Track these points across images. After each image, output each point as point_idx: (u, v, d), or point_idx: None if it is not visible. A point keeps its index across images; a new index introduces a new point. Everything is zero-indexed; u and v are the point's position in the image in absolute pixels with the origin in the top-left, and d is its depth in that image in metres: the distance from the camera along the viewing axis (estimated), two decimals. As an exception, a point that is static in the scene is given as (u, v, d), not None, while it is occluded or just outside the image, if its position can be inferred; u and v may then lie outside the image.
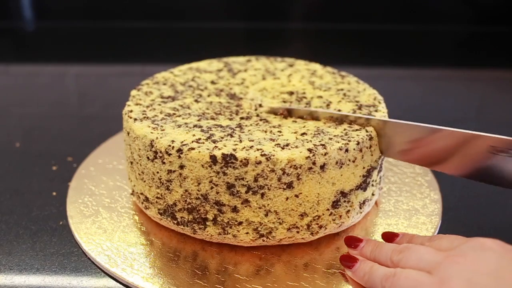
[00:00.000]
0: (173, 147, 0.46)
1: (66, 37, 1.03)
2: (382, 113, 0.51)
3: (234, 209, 0.46)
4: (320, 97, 0.54)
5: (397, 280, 0.40)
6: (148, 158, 0.48)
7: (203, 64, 0.62)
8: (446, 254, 0.40)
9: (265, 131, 0.48)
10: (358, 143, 0.47)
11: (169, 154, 0.46)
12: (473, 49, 1.01)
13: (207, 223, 0.47)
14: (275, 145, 0.46)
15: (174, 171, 0.46)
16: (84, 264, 0.48)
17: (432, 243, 0.43)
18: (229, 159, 0.44)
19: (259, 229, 0.46)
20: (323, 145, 0.46)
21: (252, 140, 0.46)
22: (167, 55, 0.95)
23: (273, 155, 0.44)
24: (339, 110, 0.51)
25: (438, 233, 0.50)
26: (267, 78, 0.58)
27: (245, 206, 0.45)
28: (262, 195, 0.45)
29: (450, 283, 0.37)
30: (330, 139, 0.47)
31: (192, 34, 1.04)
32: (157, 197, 0.48)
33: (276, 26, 1.05)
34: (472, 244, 0.40)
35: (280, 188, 0.45)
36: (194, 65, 0.62)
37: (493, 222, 0.54)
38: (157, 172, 0.47)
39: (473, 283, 0.37)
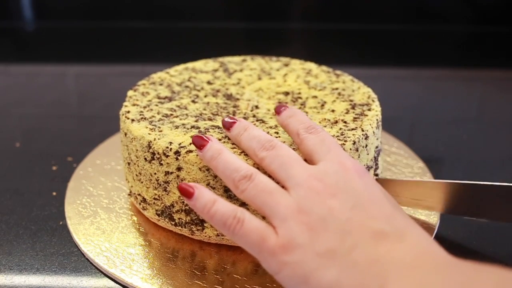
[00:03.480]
0: (170, 149, 0.46)
1: (66, 37, 1.03)
2: (375, 112, 0.51)
3: (232, 210, 0.46)
4: (315, 97, 0.54)
5: (243, 227, 0.37)
6: (145, 159, 0.48)
7: (198, 64, 0.62)
8: (306, 175, 0.38)
9: (262, 132, 0.48)
10: (354, 143, 0.47)
11: (167, 156, 0.46)
12: (473, 49, 1.01)
13: (205, 224, 0.47)
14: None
15: (172, 172, 0.46)
16: (84, 264, 0.48)
17: (305, 143, 0.41)
18: (226, 161, 0.44)
19: (257, 229, 0.46)
20: (320, 146, 0.46)
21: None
22: (167, 55, 0.95)
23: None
24: (333, 111, 0.51)
25: (438, 233, 0.50)
26: (262, 78, 0.58)
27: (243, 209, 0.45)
28: (260, 195, 0.45)
29: (294, 248, 0.35)
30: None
31: (192, 34, 1.04)
32: (154, 198, 0.49)
33: (274, 26, 1.05)
34: (314, 188, 0.37)
35: (277, 188, 0.45)
36: (190, 65, 0.62)
37: (492, 222, 0.54)
38: (155, 174, 0.47)
39: (318, 241, 0.35)
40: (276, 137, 0.47)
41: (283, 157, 0.40)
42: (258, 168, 0.42)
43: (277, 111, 0.47)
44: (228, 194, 0.45)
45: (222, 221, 0.38)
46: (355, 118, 0.50)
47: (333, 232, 0.35)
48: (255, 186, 0.38)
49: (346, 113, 0.51)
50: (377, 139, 0.51)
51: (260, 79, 0.58)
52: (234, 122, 0.45)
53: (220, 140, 0.47)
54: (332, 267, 0.34)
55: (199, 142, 0.43)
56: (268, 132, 0.48)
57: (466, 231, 0.53)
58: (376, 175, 0.52)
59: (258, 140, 0.42)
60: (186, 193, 0.40)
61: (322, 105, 0.53)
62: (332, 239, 0.35)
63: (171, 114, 0.51)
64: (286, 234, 0.36)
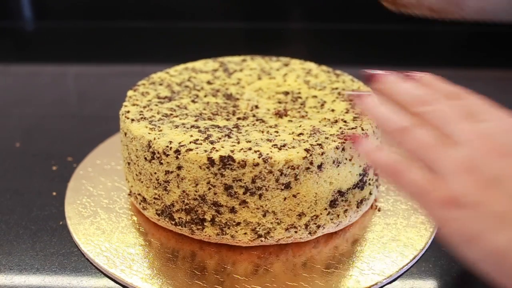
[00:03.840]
0: (170, 148, 0.46)
1: (66, 37, 1.03)
2: None
3: (232, 210, 0.46)
4: (315, 96, 0.54)
5: (404, 177, 0.37)
6: (145, 159, 0.48)
7: (198, 64, 0.62)
8: (474, 132, 0.36)
9: (262, 132, 0.48)
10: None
11: (167, 155, 0.46)
12: (473, 49, 1.01)
13: (205, 223, 0.47)
14: (272, 146, 0.46)
15: (172, 172, 0.46)
16: (84, 264, 0.48)
17: (439, 93, 0.39)
18: (226, 161, 0.44)
19: (257, 229, 0.47)
20: (319, 144, 0.46)
21: (250, 141, 0.47)
22: (167, 55, 0.95)
23: (271, 157, 0.44)
24: (333, 110, 0.51)
25: (438, 232, 0.50)
26: (262, 78, 0.58)
27: (243, 207, 0.46)
28: (260, 196, 0.45)
29: (463, 204, 0.34)
30: (327, 138, 0.47)
31: (192, 34, 1.04)
32: (154, 198, 0.49)
33: (274, 26, 1.05)
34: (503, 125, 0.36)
35: (278, 188, 0.45)
36: (189, 65, 0.62)
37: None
38: (155, 173, 0.47)
39: (490, 201, 0.33)
40: (277, 136, 0.47)
41: (446, 112, 0.38)
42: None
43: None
44: (228, 192, 0.45)
45: (385, 168, 0.38)
46: (355, 117, 0.50)
47: (507, 194, 0.33)
48: (415, 139, 0.37)
49: (346, 112, 0.51)
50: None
51: (260, 79, 0.58)
52: (384, 75, 0.42)
53: (220, 139, 0.47)
54: (504, 231, 0.32)
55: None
56: (268, 132, 0.48)
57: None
58: (376, 174, 0.52)
59: (417, 94, 0.40)
60: (354, 138, 0.43)
61: (322, 105, 0.53)
62: (505, 201, 0.33)
63: (171, 114, 0.51)
64: (457, 189, 0.34)
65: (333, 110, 0.51)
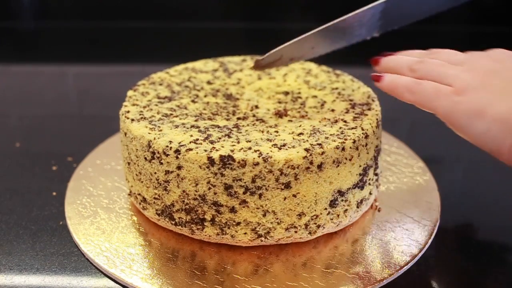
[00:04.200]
0: (170, 147, 0.46)
1: (66, 37, 1.03)
2: (375, 111, 0.51)
3: (232, 210, 0.46)
4: (315, 96, 0.54)
5: (420, 85, 0.44)
6: (145, 158, 0.48)
7: (198, 64, 0.62)
8: (460, 68, 0.44)
9: (262, 131, 0.48)
10: (354, 142, 0.47)
11: (167, 155, 0.46)
12: (473, 49, 1.00)
13: (205, 223, 0.47)
14: (272, 146, 0.46)
15: (172, 171, 0.46)
16: (84, 264, 0.48)
17: (438, 57, 0.47)
18: (226, 161, 0.44)
19: (257, 229, 0.47)
20: (319, 144, 0.46)
21: (249, 141, 0.47)
22: (167, 55, 0.95)
23: (271, 157, 0.44)
24: (333, 110, 0.51)
25: (438, 233, 0.51)
26: (262, 78, 0.58)
27: (243, 207, 0.46)
28: (260, 195, 0.45)
29: (466, 88, 0.42)
30: (327, 138, 0.47)
31: (192, 34, 1.04)
32: (154, 198, 0.49)
33: (274, 26, 1.05)
34: (483, 56, 0.44)
35: (278, 188, 0.45)
36: (189, 65, 0.62)
37: (492, 222, 0.55)
38: (155, 173, 0.47)
39: (488, 85, 0.41)
40: (277, 136, 0.47)
41: (439, 63, 0.46)
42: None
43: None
44: (228, 192, 0.45)
45: (406, 86, 0.45)
46: (355, 117, 0.50)
47: (503, 79, 0.41)
48: (427, 64, 0.45)
49: (346, 112, 0.51)
50: (377, 138, 0.51)
51: (260, 79, 0.58)
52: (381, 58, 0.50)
53: (220, 138, 0.47)
54: (505, 101, 0.40)
55: (376, 78, 0.48)
56: (268, 132, 0.48)
57: (466, 230, 0.53)
58: (376, 174, 0.52)
59: (408, 59, 0.48)
60: (376, 78, 0.48)
61: (322, 105, 0.53)
62: (503, 83, 0.41)
63: (171, 114, 0.51)
64: (459, 83, 0.42)
65: (333, 110, 0.51)
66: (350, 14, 0.51)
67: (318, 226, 0.48)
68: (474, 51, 0.46)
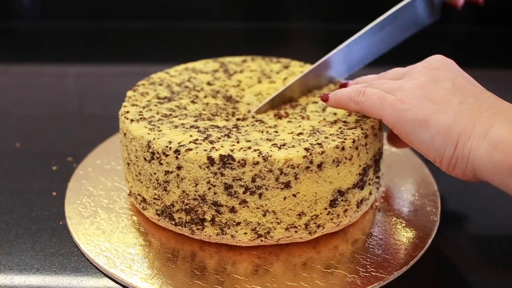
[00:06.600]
0: (170, 148, 0.46)
1: (66, 37, 1.03)
2: None
3: (232, 210, 0.46)
4: (315, 102, 0.54)
5: (365, 95, 0.46)
6: (145, 159, 0.48)
7: (198, 64, 0.62)
8: (401, 80, 0.45)
9: (262, 132, 0.48)
10: (353, 141, 0.47)
11: (167, 155, 0.46)
12: (473, 49, 1.01)
13: (205, 223, 0.47)
14: (272, 145, 0.46)
15: (172, 172, 0.46)
16: (84, 264, 0.48)
17: (384, 78, 0.49)
18: (226, 160, 0.44)
19: (257, 229, 0.47)
20: (319, 144, 0.46)
21: (249, 141, 0.47)
22: (167, 55, 0.95)
23: (271, 156, 0.44)
24: (335, 114, 0.51)
25: (438, 233, 0.51)
26: (262, 81, 0.58)
27: (243, 207, 0.46)
28: (260, 195, 0.45)
29: (409, 97, 0.43)
30: (326, 138, 0.47)
31: (192, 34, 1.04)
32: (154, 198, 0.49)
33: (274, 26, 1.05)
34: (421, 66, 0.46)
35: (277, 188, 0.45)
36: (190, 65, 0.62)
37: (492, 222, 0.55)
38: (154, 173, 0.47)
39: (430, 94, 0.43)
40: (276, 136, 0.47)
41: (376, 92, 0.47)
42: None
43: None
44: (228, 191, 0.45)
45: (349, 96, 0.47)
46: (357, 120, 0.50)
47: (444, 89, 0.43)
48: (368, 91, 0.46)
49: (348, 115, 0.51)
50: (379, 141, 0.51)
51: (260, 82, 0.58)
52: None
53: (219, 138, 0.47)
54: (447, 112, 0.42)
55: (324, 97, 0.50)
56: (267, 132, 0.48)
57: (466, 230, 0.53)
58: (378, 177, 0.52)
59: (350, 92, 0.48)
60: (323, 99, 0.50)
61: (324, 110, 0.52)
62: (443, 93, 0.43)
63: (170, 114, 0.51)
64: (402, 93, 0.44)
65: (335, 114, 0.51)
66: (320, 60, 0.54)
67: (318, 226, 0.48)
68: (415, 63, 0.47)
